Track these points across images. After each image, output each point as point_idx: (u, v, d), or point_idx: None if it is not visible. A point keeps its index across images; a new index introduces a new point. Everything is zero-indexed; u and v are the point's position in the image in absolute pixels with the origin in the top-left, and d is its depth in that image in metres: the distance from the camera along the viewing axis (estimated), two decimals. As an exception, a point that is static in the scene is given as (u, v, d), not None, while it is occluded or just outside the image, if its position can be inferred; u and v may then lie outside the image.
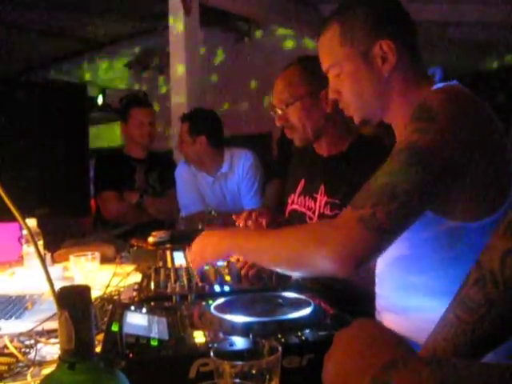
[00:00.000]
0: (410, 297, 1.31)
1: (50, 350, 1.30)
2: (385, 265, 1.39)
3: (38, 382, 1.11)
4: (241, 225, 2.11)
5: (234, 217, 2.17)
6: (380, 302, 1.43)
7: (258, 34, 5.87)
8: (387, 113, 1.38)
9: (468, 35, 4.65)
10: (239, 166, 3.24)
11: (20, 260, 2.16)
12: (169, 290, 1.49)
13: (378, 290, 1.44)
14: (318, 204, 1.99)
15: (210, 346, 1.05)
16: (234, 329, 1.14)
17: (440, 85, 1.28)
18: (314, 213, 2.00)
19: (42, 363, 1.22)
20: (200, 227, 2.80)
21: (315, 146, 2.12)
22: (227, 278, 1.64)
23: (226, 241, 1.47)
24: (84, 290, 0.74)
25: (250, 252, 1.41)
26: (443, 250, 1.25)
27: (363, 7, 1.36)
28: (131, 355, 1.02)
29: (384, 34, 1.31)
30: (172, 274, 1.63)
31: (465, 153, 1.16)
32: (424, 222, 1.21)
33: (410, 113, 1.26)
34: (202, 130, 3.20)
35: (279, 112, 2.06)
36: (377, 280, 1.44)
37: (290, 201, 2.19)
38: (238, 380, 0.82)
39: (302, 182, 2.15)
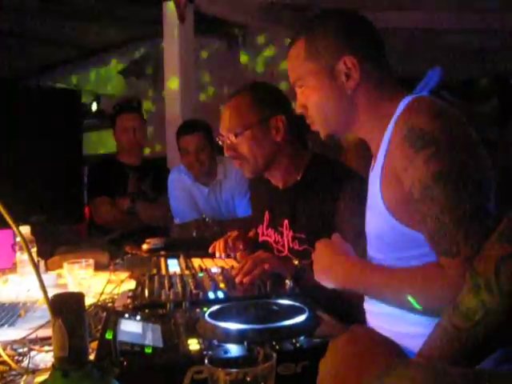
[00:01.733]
0: (400, 312, 1.29)
1: (44, 358, 1.29)
2: None
3: (32, 390, 1.11)
4: (223, 256, 2.14)
5: (210, 250, 2.21)
6: (369, 318, 1.41)
7: (253, 40, 5.88)
8: (354, 127, 1.37)
9: (461, 42, 4.68)
10: (232, 173, 3.23)
11: (13, 267, 2.15)
12: (163, 298, 1.49)
13: (366, 306, 1.42)
14: (285, 239, 1.97)
15: (205, 353, 1.05)
16: (228, 336, 1.14)
17: (410, 98, 1.25)
18: (283, 246, 1.98)
19: (35, 371, 1.21)
20: (194, 234, 2.80)
21: (269, 177, 2.05)
22: (221, 285, 1.64)
23: (337, 271, 1.33)
24: (78, 298, 0.74)
25: (369, 289, 1.29)
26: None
27: (329, 23, 1.36)
28: (125, 363, 1.02)
29: (348, 50, 1.31)
30: (166, 282, 1.63)
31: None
32: (416, 240, 1.20)
33: (381, 126, 1.26)
34: (213, 136, 3.18)
35: (227, 142, 1.98)
36: (366, 297, 1.42)
37: (259, 231, 2.16)
38: (232, 387, 0.82)
39: (267, 214, 2.11)
